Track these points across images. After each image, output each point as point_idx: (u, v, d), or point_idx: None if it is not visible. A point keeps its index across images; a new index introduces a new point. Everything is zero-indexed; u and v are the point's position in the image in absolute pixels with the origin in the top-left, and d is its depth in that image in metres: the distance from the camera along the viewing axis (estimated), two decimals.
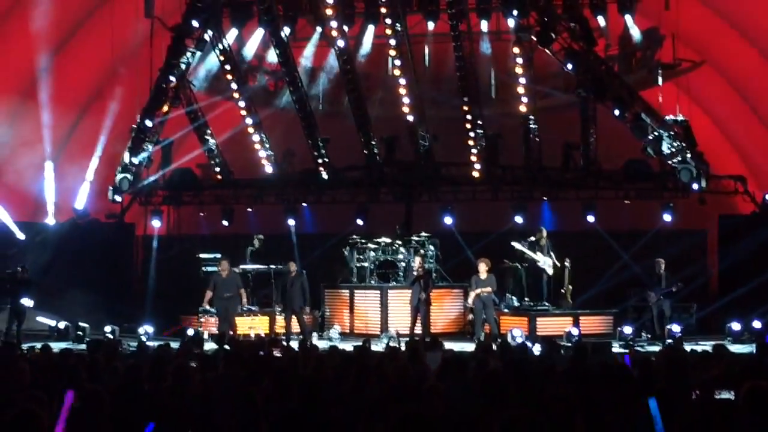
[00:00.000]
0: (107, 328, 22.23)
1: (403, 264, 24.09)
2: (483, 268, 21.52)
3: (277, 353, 13.99)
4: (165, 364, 11.34)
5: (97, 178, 26.79)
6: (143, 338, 20.76)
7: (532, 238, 23.10)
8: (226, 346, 15.01)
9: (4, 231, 24.95)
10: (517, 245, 23.04)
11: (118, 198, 26.07)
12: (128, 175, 25.58)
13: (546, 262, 22.86)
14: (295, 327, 22.22)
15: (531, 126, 25.28)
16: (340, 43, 25.54)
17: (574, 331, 21.28)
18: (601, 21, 25.51)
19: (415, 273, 21.95)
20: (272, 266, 24.34)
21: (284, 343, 19.32)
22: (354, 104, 25.83)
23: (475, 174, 25.79)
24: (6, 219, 25.05)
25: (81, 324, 22.68)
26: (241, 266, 23.73)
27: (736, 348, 18.65)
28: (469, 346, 18.21)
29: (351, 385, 9.42)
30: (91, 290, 24.01)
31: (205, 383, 11.01)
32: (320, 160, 26.25)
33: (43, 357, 13.16)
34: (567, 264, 23.27)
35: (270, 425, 7.93)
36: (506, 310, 22.80)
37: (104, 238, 26.24)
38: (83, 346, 18.44)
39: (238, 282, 22.04)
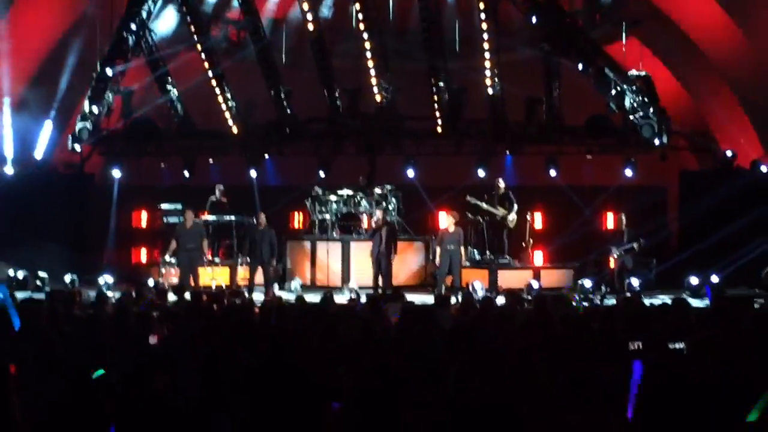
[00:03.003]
0: (67, 278, 22.13)
1: (365, 216, 24.10)
2: (450, 221, 21.59)
3: (238, 303, 13.99)
4: (126, 314, 11.32)
5: (56, 128, 26.49)
6: (103, 288, 20.64)
7: (494, 192, 23.23)
8: (187, 296, 14.98)
9: None
10: (471, 199, 23.14)
11: (77, 147, 25.77)
12: (88, 124, 25.27)
13: (505, 215, 22.97)
14: (258, 279, 22.20)
15: (495, 80, 25.24)
16: None
17: (535, 284, 21.44)
18: None
19: (373, 224, 22.04)
20: (233, 217, 24.25)
21: (246, 294, 19.38)
22: (317, 56, 25.66)
23: (439, 127, 25.75)
24: None
25: (40, 274, 22.54)
26: (203, 217, 23.63)
27: (693, 302, 18.84)
28: (431, 299, 18.28)
29: (315, 334, 9.43)
30: (51, 240, 23.80)
31: (166, 334, 11.01)
32: (282, 112, 26.08)
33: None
34: (528, 218, 23.41)
35: (232, 375, 7.93)
36: (467, 263, 22.88)
37: (63, 187, 25.98)
38: (42, 296, 18.30)
39: (202, 233, 21.98)
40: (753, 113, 25.18)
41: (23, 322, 10.15)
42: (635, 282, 21.53)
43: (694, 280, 21.62)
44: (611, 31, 26.19)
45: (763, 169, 24.21)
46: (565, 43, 24.06)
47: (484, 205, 23.18)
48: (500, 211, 23.10)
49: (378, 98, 25.61)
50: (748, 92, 25.05)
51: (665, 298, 16.52)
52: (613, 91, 23.43)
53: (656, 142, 23.51)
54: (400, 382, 6.48)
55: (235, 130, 26.54)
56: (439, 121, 25.64)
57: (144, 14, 25.28)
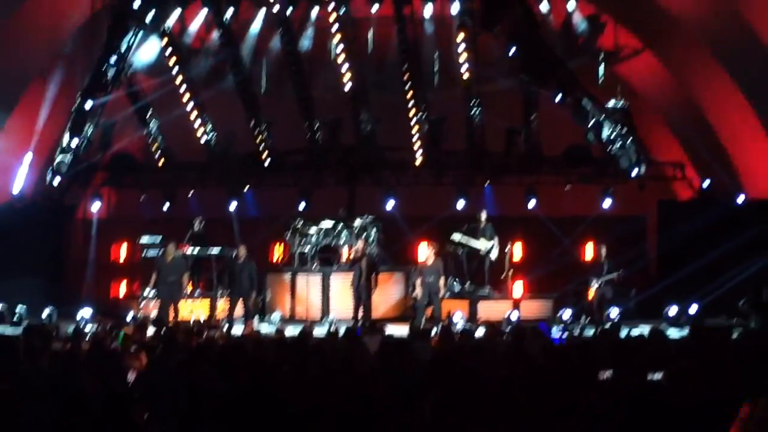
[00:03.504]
0: (45, 312, 22.01)
1: (345, 248, 24.09)
2: (430, 252, 21.62)
3: (217, 337, 13.95)
4: (102, 349, 11.29)
5: (36, 161, 26.43)
6: (81, 322, 20.52)
7: (474, 224, 23.30)
8: (165, 330, 14.92)
9: None
10: (456, 237, 23.18)
11: (56, 180, 25.69)
12: (67, 157, 25.22)
13: (486, 247, 23.03)
14: (238, 312, 22.13)
15: (474, 110, 25.37)
16: (284, 26, 25.40)
17: (514, 315, 21.45)
18: (544, 6, 25.65)
19: (353, 256, 22.09)
20: (213, 250, 24.22)
21: (226, 327, 19.31)
22: (297, 87, 25.74)
23: (418, 158, 25.82)
24: None
25: (18, 308, 22.41)
26: (183, 250, 23.56)
27: (672, 332, 18.91)
28: None
29: (292, 366, 9.42)
30: (30, 273, 23.71)
31: (146, 367, 10.96)
32: (263, 144, 26.12)
33: None
34: (507, 249, 23.47)
35: (211, 407, 7.92)
36: (447, 295, 22.88)
37: (43, 220, 25.89)
38: (20, 330, 18.18)
39: (182, 266, 21.96)
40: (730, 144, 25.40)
41: None
42: (615, 312, 21.56)
43: (673, 310, 21.69)
44: (588, 63, 26.36)
45: (740, 199, 24.37)
46: (543, 73, 24.23)
47: (472, 243, 23.18)
48: (483, 246, 23.11)
49: (358, 129, 25.67)
50: (727, 124, 25.29)
51: (645, 328, 16.54)
52: (591, 122, 23.58)
53: (634, 172, 23.65)
54: (379, 412, 6.49)
55: (214, 161, 26.53)
56: (419, 152, 25.72)
57: (123, 47, 25.30)
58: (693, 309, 21.49)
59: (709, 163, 25.40)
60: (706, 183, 25.07)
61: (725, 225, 22.82)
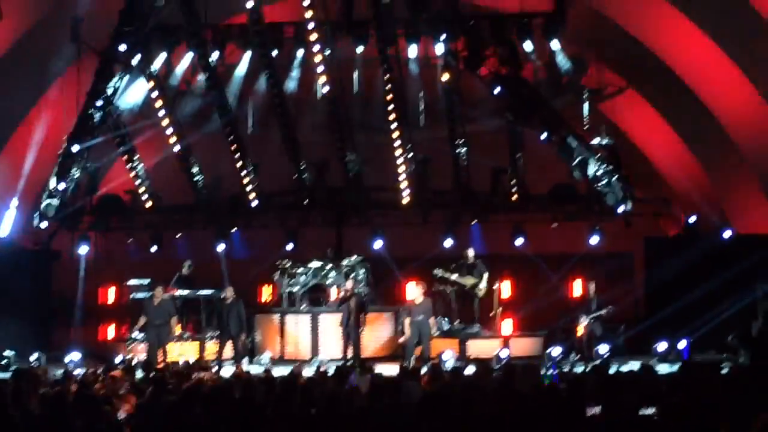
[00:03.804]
0: (33, 356, 21.91)
1: (334, 288, 24.07)
2: (418, 292, 21.62)
3: (206, 378, 13.89)
4: (91, 391, 11.24)
5: (22, 205, 26.40)
6: (70, 365, 20.43)
7: (462, 261, 23.35)
8: (154, 373, 14.86)
9: None
10: (438, 272, 23.23)
11: (44, 224, 25.65)
12: (54, 201, 25.20)
13: (476, 285, 23.06)
14: (227, 353, 22.05)
15: (460, 150, 25.48)
16: (269, 68, 25.53)
17: (503, 354, 21.41)
18: (528, 46, 25.85)
19: (341, 295, 22.13)
20: (202, 292, 24.19)
21: (215, 368, 19.24)
22: (283, 128, 25.83)
23: (405, 198, 25.88)
24: None
25: (5, 352, 22.30)
26: (171, 292, 23.51)
27: (662, 367, 18.90)
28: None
29: (279, 408, 9.39)
30: (18, 318, 23.62)
31: (134, 409, 10.92)
32: (249, 186, 26.17)
33: None
34: (496, 287, 23.51)
35: None
36: (437, 333, 22.83)
37: (30, 264, 25.86)
38: (8, 375, 18.07)
39: (171, 309, 21.93)
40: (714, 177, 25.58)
41: None
42: (604, 349, 21.55)
43: (662, 346, 21.70)
44: (573, 101, 26.53)
45: (726, 234, 24.46)
46: (528, 113, 24.38)
47: (453, 277, 23.26)
48: (468, 281, 23.19)
49: (344, 170, 25.74)
50: (712, 160, 25.48)
51: (635, 365, 16.54)
52: (577, 160, 23.69)
53: (620, 209, 23.74)
54: None
55: (201, 203, 26.56)
56: (406, 192, 25.79)
57: (110, 90, 25.36)
58: (682, 344, 21.47)
59: (694, 200, 25.54)
60: (692, 218, 25.15)
61: (712, 260, 22.90)
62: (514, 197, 25.69)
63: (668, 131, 26.46)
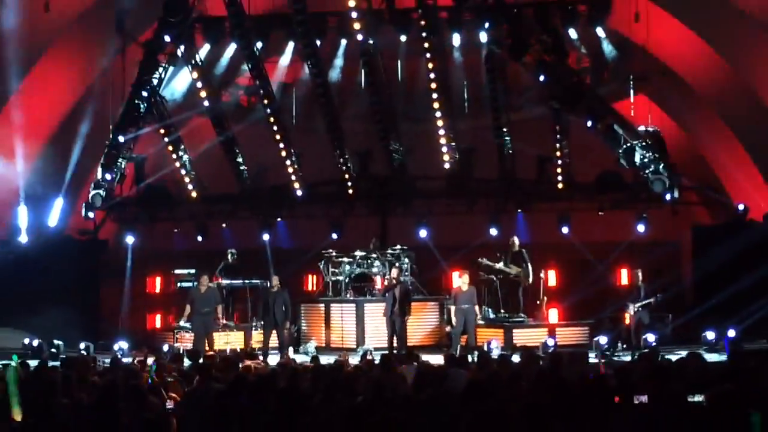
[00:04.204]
0: (81, 345, 22.16)
1: (379, 277, 24.08)
2: (465, 280, 21.59)
3: (252, 367, 13.95)
4: (139, 380, 11.32)
5: (70, 196, 26.67)
6: (118, 354, 20.61)
7: (507, 250, 23.26)
8: (201, 361, 14.94)
9: None
10: (482, 261, 23.15)
11: (91, 214, 25.90)
12: (101, 192, 25.41)
13: (521, 273, 22.95)
14: (272, 342, 22.12)
15: (505, 139, 25.37)
16: (313, 58, 25.55)
17: (550, 342, 21.32)
18: (572, 33, 25.67)
19: (387, 283, 22.12)
20: (247, 281, 24.30)
21: (260, 357, 19.32)
22: (327, 119, 25.85)
23: (450, 187, 25.83)
24: None
25: (55, 341, 22.56)
26: (216, 281, 23.66)
27: (710, 357, 18.71)
28: None
29: (324, 396, 9.39)
30: (66, 308, 23.87)
31: (182, 398, 11.00)
32: (294, 175, 26.23)
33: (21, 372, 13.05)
34: (542, 275, 23.39)
35: None
36: (482, 322, 22.76)
37: (78, 255, 26.12)
38: (57, 363, 18.27)
39: (216, 297, 22.06)
40: (763, 166, 25.19)
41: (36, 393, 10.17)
42: (652, 338, 21.37)
43: (710, 335, 21.47)
44: (619, 88, 26.31)
45: None
46: (573, 100, 24.18)
47: (497, 266, 23.16)
48: (513, 270, 23.08)
49: (389, 160, 25.71)
50: (758, 145, 25.10)
51: (682, 354, 16.38)
52: (623, 147, 23.46)
53: (668, 197, 23.50)
54: None
55: (246, 193, 26.66)
56: (450, 181, 25.72)
57: (155, 81, 25.51)
58: (731, 333, 21.23)
59: (742, 187, 25.26)
60: (741, 206, 24.85)
61: (761, 248, 22.62)
62: (560, 185, 25.53)
63: (715, 118, 26.15)
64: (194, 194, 26.92)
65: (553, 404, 8.01)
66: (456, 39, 26.42)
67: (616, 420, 8.12)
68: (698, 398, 8.20)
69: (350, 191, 26.38)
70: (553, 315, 23.95)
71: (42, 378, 11.78)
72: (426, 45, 24.79)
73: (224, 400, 9.61)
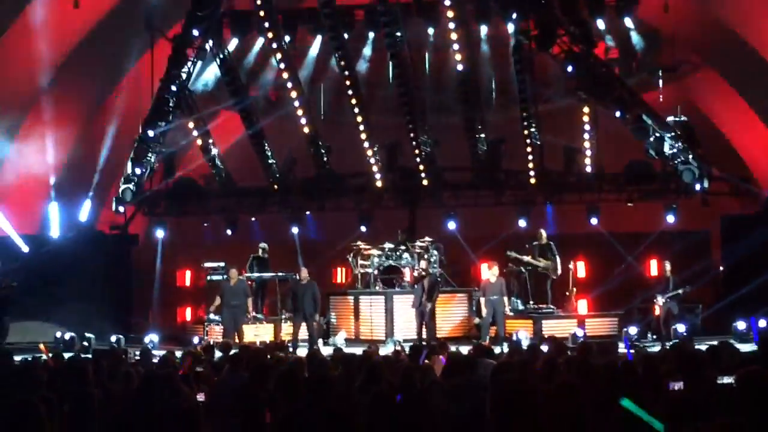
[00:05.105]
0: (113, 338, 22.35)
1: (407, 269, 24.10)
2: (494, 272, 21.62)
3: (282, 359, 14.02)
4: (170, 372, 11.40)
5: (100, 190, 26.87)
6: (148, 346, 20.75)
7: (535, 242, 23.25)
8: (232, 352, 15.01)
9: (8, 244, 24.98)
10: (511, 254, 23.14)
11: (121, 209, 26.07)
12: (131, 186, 25.58)
13: (549, 266, 22.93)
14: (302, 335, 22.21)
15: (533, 130, 25.31)
16: (340, 51, 25.59)
17: (579, 332, 21.29)
18: (600, 24, 25.59)
19: (415, 275, 22.16)
20: (277, 274, 24.41)
21: (290, 349, 19.41)
22: (355, 111, 25.88)
23: (478, 179, 25.84)
24: (10, 232, 25.10)
25: (86, 334, 22.75)
26: (246, 274, 23.77)
27: (742, 347, 18.58)
28: None
29: (355, 384, 9.44)
30: (96, 301, 24.12)
31: (212, 387, 11.08)
32: (322, 168, 26.30)
33: (55, 363, 13.19)
34: (571, 266, 23.36)
35: (276, 425, 7.96)
36: (511, 313, 22.76)
37: (108, 249, 26.33)
38: (89, 356, 18.42)
39: (246, 290, 22.17)
40: None
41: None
42: (681, 328, 21.30)
43: (741, 325, 21.36)
44: (648, 79, 26.21)
45: None
46: (601, 91, 24.10)
47: (526, 258, 23.14)
48: (542, 263, 23.06)
49: (416, 152, 25.73)
50: None
51: (713, 344, 16.30)
52: (652, 138, 23.37)
53: (697, 187, 23.39)
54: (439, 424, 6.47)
55: (275, 187, 26.75)
56: (478, 173, 25.71)
57: (184, 76, 25.64)
58: (761, 323, 21.10)
59: None
60: None
61: None
62: (588, 177, 25.47)
63: (746, 109, 25.99)
64: (223, 188, 27.01)
65: (584, 388, 8.01)
66: (483, 30, 26.39)
67: (647, 406, 8.10)
68: (727, 380, 8.19)
69: (378, 184, 26.42)
70: (582, 306, 23.94)
71: (74, 368, 11.88)
72: (453, 37, 24.80)
73: (251, 389, 9.67)
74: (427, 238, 24.40)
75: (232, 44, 26.95)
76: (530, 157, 25.48)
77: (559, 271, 23.14)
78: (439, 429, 7.93)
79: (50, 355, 14.74)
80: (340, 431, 7.18)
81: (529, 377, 8.72)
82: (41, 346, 20.41)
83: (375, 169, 26.23)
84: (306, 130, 26.09)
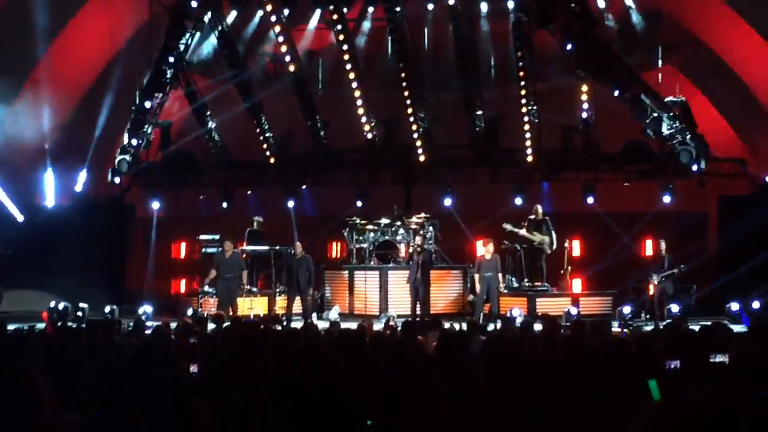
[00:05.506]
0: (106, 309, 22.32)
1: (403, 245, 24.09)
2: (489, 249, 21.62)
3: (277, 329, 14.02)
4: (163, 342, 11.38)
5: (96, 161, 26.80)
6: (142, 317, 20.74)
7: (531, 217, 23.20)
8: (225, 324, 15.01)
9: (3, 213, 24.91)
10: (507, 226, 23.10)
11: (117, 180, 26.05)
12: (127, 157, 25.55)
13: (544, 241, 22.91)
14: (296, 309, 22.23)
15: (531, 108, 25.25)
16: (339, 25, 25.49)
17: (573, 311, 21.31)
18: (600, 2, 25.48)
19: (410, 250, 22.15)
20: (272, 247, 24.39)
21: (284, 323, 19.41)
22: (353, 86, 25.79)
23: (475, 156, 25.79)
24: (5, 200, 25.03)
25: (80, 304, 22.73)
26: (241, 247, 23.75)
27: (735, 327, 18.61)
28: None
29: (349, 357, 9.44)
30: (91, 272, 24.06)
31: (206, 358, 11.06)
32: (319, 142, 26.25)
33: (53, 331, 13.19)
34: (566, 245, 23.35)
35: (270, 396, 7.95)
36: (506, 291, 22.77)
37: (103, 219, 26.28)
38: (83, 326, 18.41)
39: (241, 263, 22.15)
40: None
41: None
42: (675, 308, 21.33)
43: (735, 306, 21.38)
44: (647, 58, 26.14)
45: None
46: (600, 69, 24.04)
47: (521, 232, 23.13)
48: (537, 238, 23.04)
49: (414, 128, 25.67)
50: None
51: (706, 324, 16.31)
52: (650, 117, 23.33)
53: (694, 167, 23.37)
54: (434, 402, 6.45)
55: (272, 160, 26.69)
56: (475, 150, 25.66)
57: (182, 47, 25.54)
58: (755, 305, 21.14)
59: None
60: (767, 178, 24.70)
61: None
62: (586, 156, 25.43)
63: (742, 88, 25.92)
64: (220, 160, 26.94)
65: (577, 367, 8.01)
66: (483, 7, 26.28)
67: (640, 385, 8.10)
68: (720, 358, 8.20)
69: (375, 159, 26.35)
70: (576, 285, 23.94)
71: (67, 337, 11.86)
72: (453, 13, 24.70)
73: (244, 360, 9.66)
74: (423, 214, 24.39)
75: (231, 16, 26.82)
76: (528, 135, 25.44)
77: (555, 246, 23.11)
78: (434, 405, 7.92)
79: (50, 323, 14.72)
80: (335, 403, 7.17)
81: (521, 351, 8.70)
82: (44, 314, 20.52)
83: (372, 144, 26.16)
84: (303, 104, 26.00)
